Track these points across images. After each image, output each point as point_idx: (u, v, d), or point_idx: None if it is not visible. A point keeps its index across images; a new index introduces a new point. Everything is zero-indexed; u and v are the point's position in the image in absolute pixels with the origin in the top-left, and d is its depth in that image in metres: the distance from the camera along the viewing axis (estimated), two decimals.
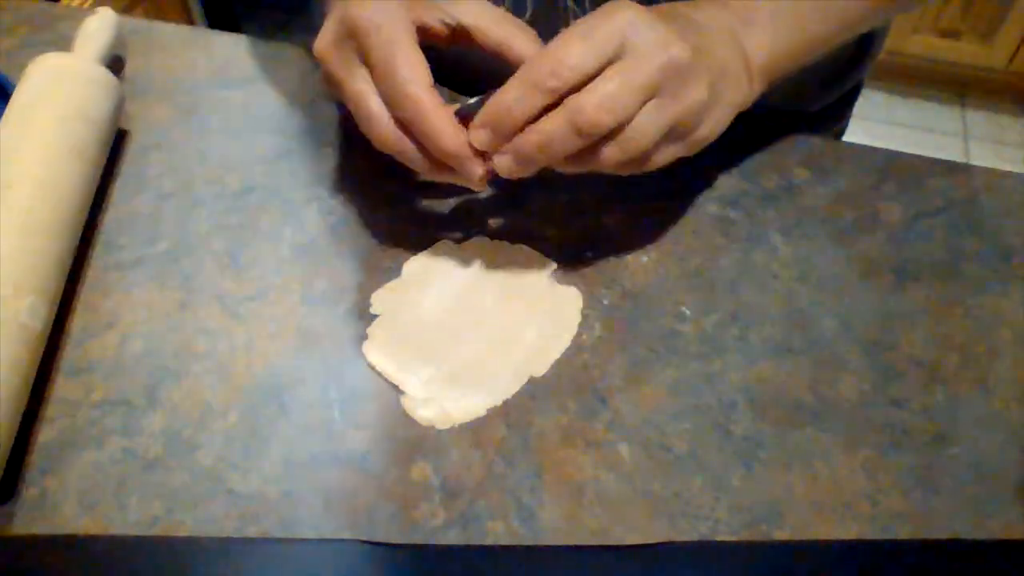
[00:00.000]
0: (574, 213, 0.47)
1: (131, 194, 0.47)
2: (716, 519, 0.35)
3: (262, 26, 2.08)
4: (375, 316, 0.42)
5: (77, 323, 0.41)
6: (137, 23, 0.58)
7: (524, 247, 0.45)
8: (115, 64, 0.54)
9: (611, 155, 0.35)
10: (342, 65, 0.37)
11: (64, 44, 0.51)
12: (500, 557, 0.34)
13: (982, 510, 0.36)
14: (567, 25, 0.49)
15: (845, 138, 0.68)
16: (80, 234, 0.43)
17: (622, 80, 0.34)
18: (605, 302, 0.43)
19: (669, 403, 0.39)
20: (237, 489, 0.35)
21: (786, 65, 0.43)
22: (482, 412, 0.38)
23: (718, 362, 0.41)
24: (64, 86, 0.45)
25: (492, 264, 0.44)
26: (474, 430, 0.38)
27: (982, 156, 1.84)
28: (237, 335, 0.41)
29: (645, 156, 0.36)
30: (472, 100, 0.37)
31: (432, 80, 0.36)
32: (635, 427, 0.38)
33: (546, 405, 0.39)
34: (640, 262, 0.44)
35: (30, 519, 0.34)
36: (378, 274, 0.44)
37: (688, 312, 0.43)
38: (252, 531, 0.34)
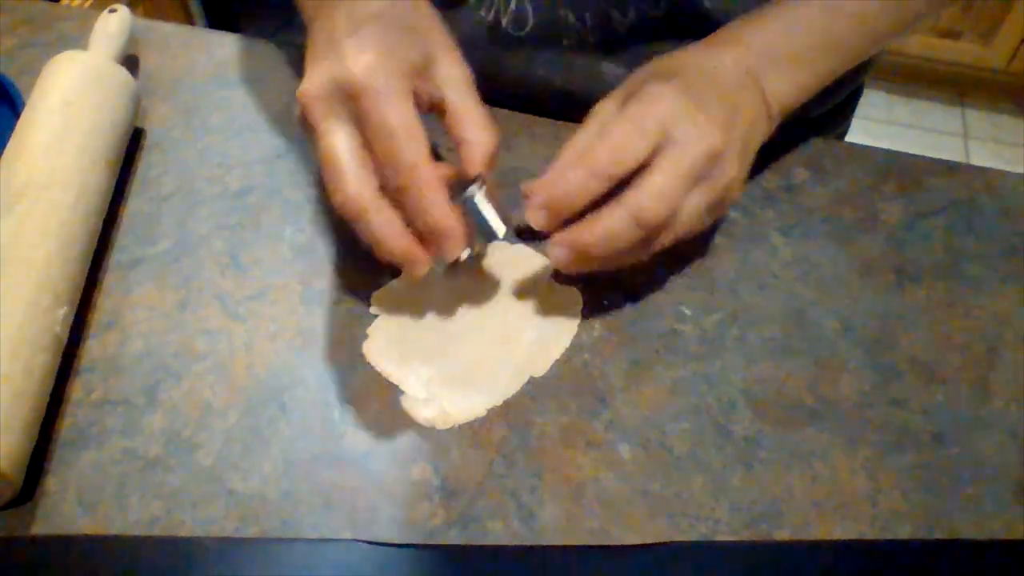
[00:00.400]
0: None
1: (131, 194, 0.47)
2: (716, 519, 0.35)
3: (262, 26, 2.08)
4: (375, 316, 0.42)
5: (77, 323, 0.41)
6: (138, 23, 0.57)
7: (524, 247, 0.45)
8: (128, 63, 0.54)
9: (662, 241, 0.38)
10: (326, 116, 0.35)
11: (64, 44, 0.51)
12: (500, 557, 0.34)
13: (982, 510, 0.36)
14: (567, 39, 0.49)
15: (846, 138, 0.68)
16: (97, 241, 0.43)
17: (672, 172, 0.36)
18: (605, 302, 0.43)
19: (669, 403, 0.39)
20: (237, 489, 0.35)
21: (805, 99, 0.44)
22: (482, 412, 0.38)
23: (718, 362, 0.41)
24: (96, 91, 0.45)
25: (492, 264, 0.44)
26: (474, 430, 0.38)
27: (982, 156, 1.84)
28: (237, 335, 0.41)
29: (685, 230, 0.39)
30: (469, 186, 0.37)
31: (429, 147, 0.35)
32: (635, 427, 0.38)
33: (546, 405, 0.39)
34: (640, 262, 0.44)
35: (30, 519, 0.34)
36: (378, 274, 0.44)
37: (688, 312, 0.43)
38: (252, 531, 0.34)
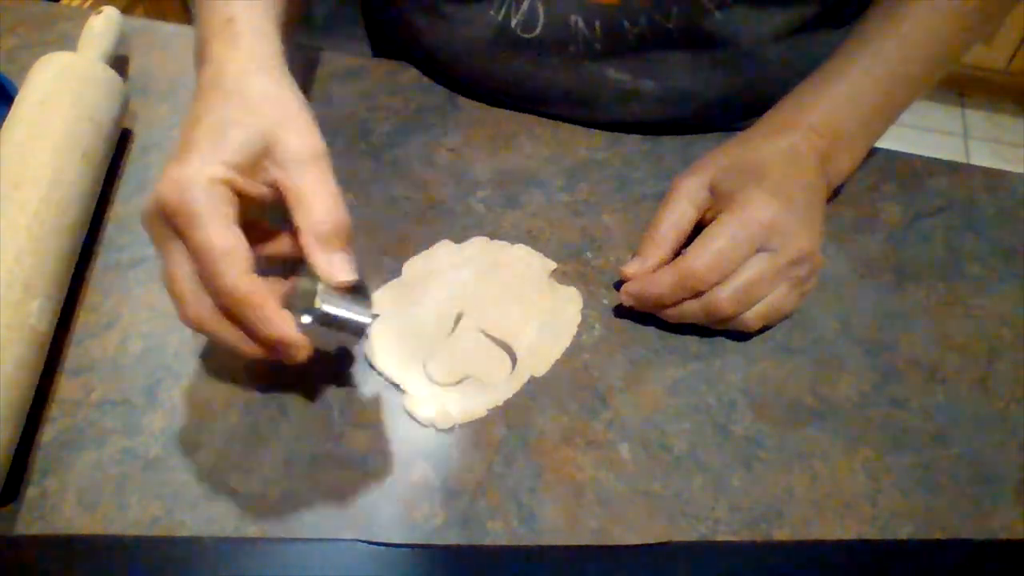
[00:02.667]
0: (574, 213, 0.47)
1: (131, 194, 0.47)
2: (716, 519, 0.35)
3: None
4: (375, 316, 0.42)
5: (77, 323, 0.41)
6: (137, 23, 0.58)
7: (524, 247, 0.45)
8: (119, 63, 0.54)
9: (749, 324, 0.40)
10: (160, 238, 0.33)
11: (64, 44, 0.51)
12: (500, 557, 0.34)
13: (982, 510, 0.36)
14: (575, 44, 0.49)
15: None
16: (85, 235, 0.43)
17: (752, 274, 0.39)
18: (605, 302, 0.43)
19: (669, 403, 0.39)
20: (237, 489, 0.35)
21: (859, 165, 0.47)
22: (482, 412, 0.38)
23: (718, 362, 0.41)
24: (72, 87, 0.45)
25: (492, 264, 0.44)
26: (474, 430, 0.38)
27: (982, 156, 1.84)
28: None
29: (774, 313, 0.41)
30: (302, 279, 0.35)
31: (252, 262, 0.33)
32: (635, 427, 0.38)
33: (546, 405, 0.39)
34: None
35: (30, 519, 0.34)
36: (378, 274, 0.44)
37: None
38: (252, 531, 0.34)
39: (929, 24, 0.45)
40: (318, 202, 0.34)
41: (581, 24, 0.49)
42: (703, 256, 0.39)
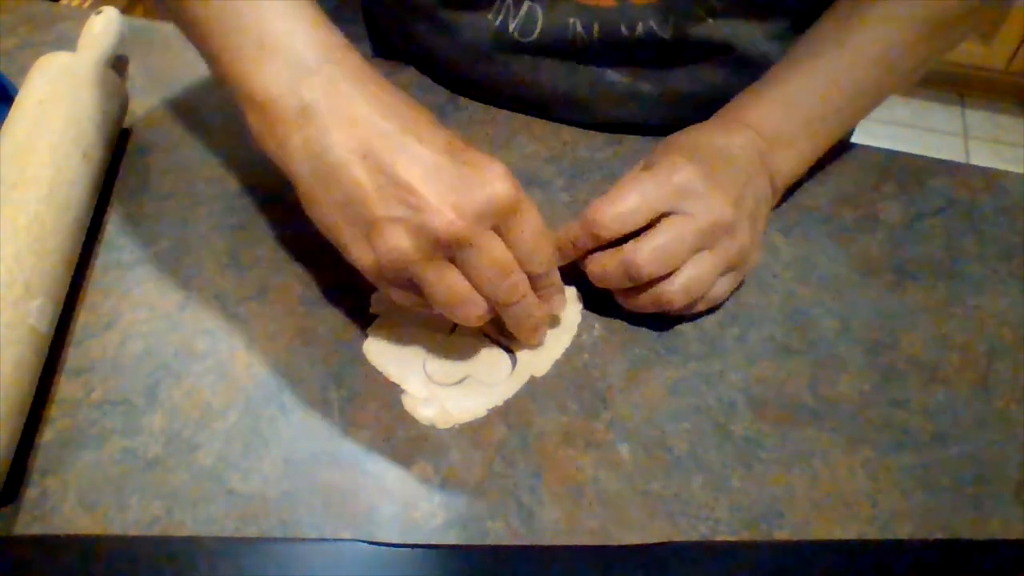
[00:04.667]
0: (574, 213, 0.47)
1: (131, 194, 0.47)
2: (716, 519, 0.35)
3: None
4: (375, 316, 0.42)
5: (77, 323, 0.41)
6: (138, 22, 0.58)
7: None
8: (119, 63, 0.54)
9: (673, 296, 0.39)
10: (477, 237, 0.33)
11: (64, 44, 0.51)
12: (500, 557, 0.34)
13: (982, 510, 0.36)
14: (573, 46, 0.49)
15: None
16: (84, 235, 0.43)
17: (673, 235, 0.38)
18: (605, 302, 0.43)
19: (669, 403, 0.39)
20: (237, 489, 0.35)
21: (806, 168, 0.47)
22: (482, 412, 0.38)
23: (718, 362, 0.41)
24: (71, 87, 0.45)
25: None
26: (474, 430, 0.38)
27: (982, 156, 1.84)
28: (237, 335, 0.41)
29: (704, 297, 0.41)
30: None
31: None
32: (635, 427, 0.38)
33: (546, 405, 0.39)
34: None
35: (30, 519, 0.34)
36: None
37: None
38: (252, 531, 0.34)
39: (880, 32, 0.45)
40: None
41: (579, 27, 0.49)
42: (606, 204, 0.39)
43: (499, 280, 0.35)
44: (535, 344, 0.40)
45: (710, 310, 0.43)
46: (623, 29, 0.48)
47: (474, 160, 0.34)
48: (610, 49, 0.50)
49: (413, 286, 0.36)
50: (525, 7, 0.49)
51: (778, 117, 0.45)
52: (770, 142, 0.44)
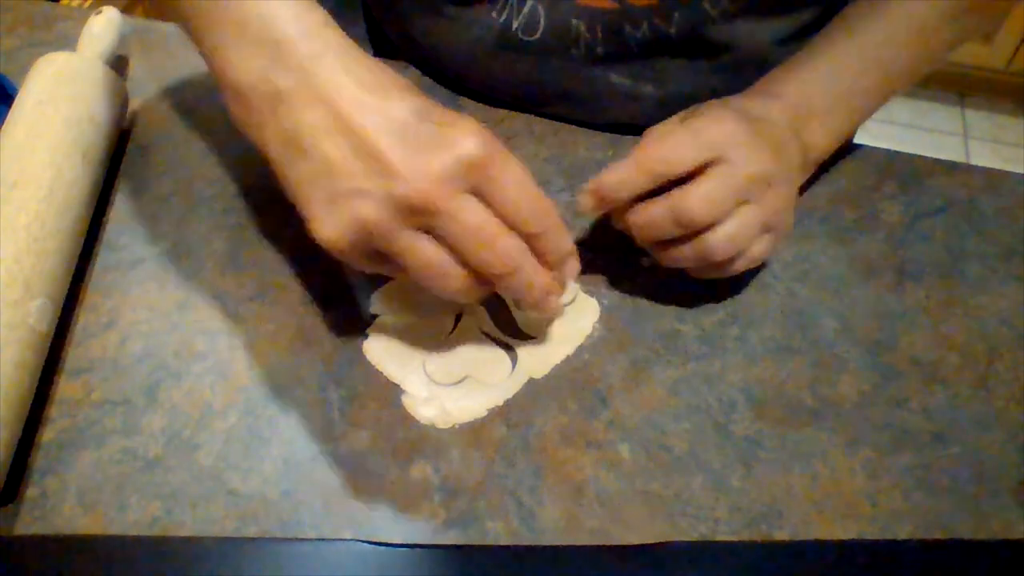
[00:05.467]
0: (574, 213, 0.47)
1: (131, 194, 0.47)
2: (716, 519, 0.35)
3: None
4: (375, 316, 0.42)
5: (77, 323, 0.41)
6: (137, 23, 0.58)
7: None
8: (119, 63, 0.54)
9: (718, 247, 0.38)
10: (452, 201, 0.32)
11: (64, 44, 0.51)
12: (500, 557, 0.34)
13: (982, 510, 0.36)
14: (576, 47, 0.49)
15: None
16: (84, 235, 0.43)
17: (721, 182, 0.38)
18: (605, 302, 0.43)
19: (669, 403, 0.39)
20: (237, 489, 0.35)
21: (839, 144, 0.46)
22: (482, 412, 0.38)
23: (718, 362, 0.41)
24: (71, 87, 0.45)
25: None
26: (474, 430, 0.38)
27: (982, 156, 1.84)
28: (237, 335, 0.41)
29: (743, 253, 0.40)
30: None
31: None
32: (635, 427, 0.38)
33: (546, 405, 0.39)
34: (641, 262, 0.44)
35: (30, 519, 0.34)
36: (378, 274, 0.43)
37: (688, 312, 0.43)
38: (252, 531, 0.34)
39: (918, 7, 0.45)
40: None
41: (583, 28, 0.49)
42: (659, 144, 0.38)
43: (482, 248, 0.32)
44: (550, 315, 0.38)
45: (708, 310, 0.43)
46: (627, 29, 0.48)
47: (445, 119, 0.32)
48: (613, 50, 0.50)
49: (388, 259, 0.34)
50: (528, 5, 0.49)
51: (815, 90, 0.44)
52: (806, 115, 0.43)
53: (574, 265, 0.38)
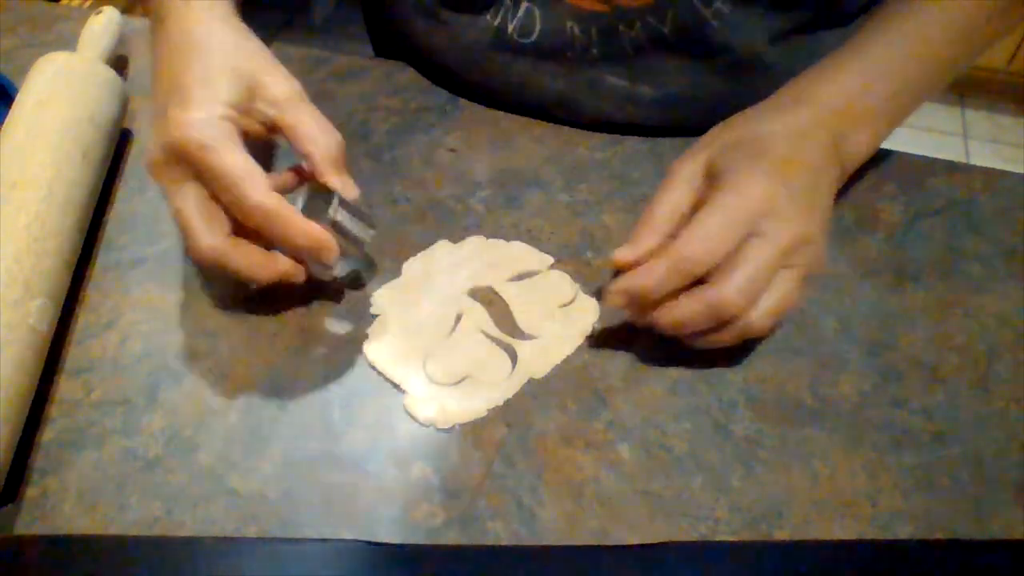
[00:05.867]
0: (574, 213, 0.47)
1: (131, 194, 0.47)
2: (716, 519, 0.35)
3: (262, 26, 2.08)
4: (375, 316, 0.42)
5: (77, 323, 0.41)
6: (137, 23, 0.58)
7: (521, 244, 0.45)
8: (119, 63, 0.54)
9: (763, 325, 0.37)
10: (170, 180, 0.37)
11: (64, 44, 0.51)
12: (500, 557, 0.34)
13: (982, 510, 0.36)
14: (571, 49, 0.49)
15: None
16: (84, 235, 0.43)
17: (756, 263, 0.36)
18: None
19: (669, 403, 0.39)
20: (237, 489, 0.35)
21: (877, 148, 0.45)
22: (482, 412, 0.38)
23: (718, 362, 0.41)
24: (72, 87, 0.45)
25: (492, 262, 0.44)
26: (474, 430, 0.38)
27: (982, 156, 1.84)
28: (237, 335, 0.41)
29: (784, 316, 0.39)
30: (300, 197, 0.39)
31: (268, 182, 0.36)
32: (635, 427, 0.38)
33: (546, 405, 0.39)
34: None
35: (30, 519, 0.34)
36: (378, 274, 0.44)
37: None
38: (252, 531, 0.34)
39: (953, 8, 0.43)
40: (321, 132, 0.38)
41: (577, 30, 0.49)
42: (694, 238, 0.36)
43: (222, 193, 0.36)
44: (324, 262, 0.38)
45: None
46: (621, 28, 0.48)
47: (182, 106, 0.36)
48: (609, 51, 0.50)
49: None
50: (523, 9, 0.49)
51: (856, 92, 0.42)
52: (847, 121, 0.41)
53: (326, 255, 0.37)
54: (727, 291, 0.36)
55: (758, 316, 0.37)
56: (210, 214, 0.36)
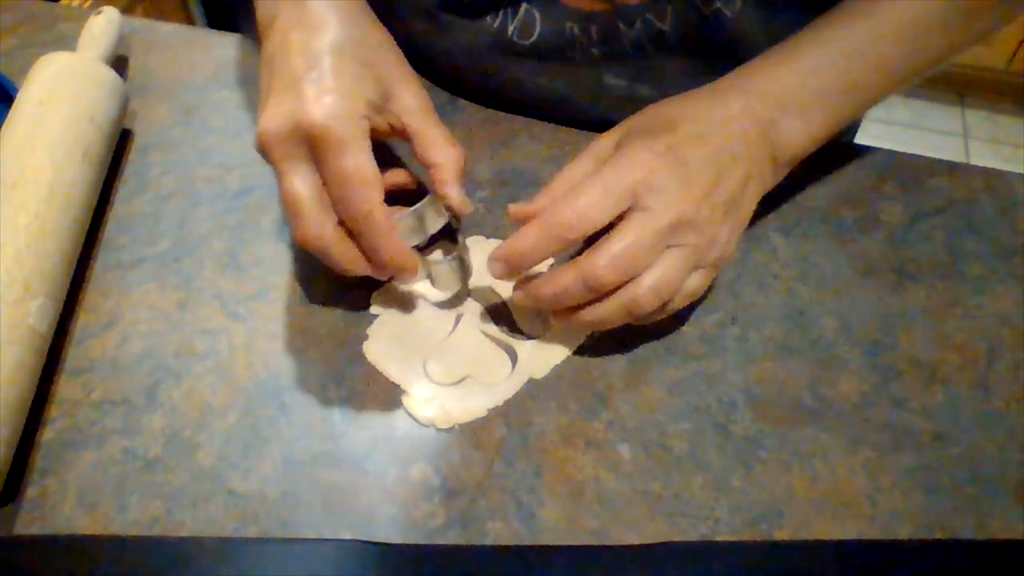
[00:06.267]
0: None
1: (131, 194, 0.47)
2: (716, 519, 0.35)
3: None
4: (375, 316, 0.42)
5: (77, 323, 0.41)
6: (137, 23, 0.58)
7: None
8: (119, 63, 0.54)
9: (642, 300, 0.36)
10: (286, 157, 0.36)
11: (64, 44, 0.51)
12: (500, 557, 0.34)
13: (982, 510, 0.36)
14: (572, 49, 0.49)
15: None
16: (84, 235, 0.43)
17: (635, 237, 0.36)
18: None
19: (669, 403, 0.39)
20: (237, 489, 0.35)
21: (818, 145, 0.43)
22: (482, 412, 0.38)
23: (718, 362, 0.41)
24: (72, 87, 0.45)
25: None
26: (474, 430, 0.38)
27: (982, 156, 1.84)
28: (237, 335, 0.41)
29: (674, 296, 0.38)
30: (410, 210, 0.39)
31: (383, 190, 0.37)
32: (635, 427, 0.38)
33: (546, 405, 0.39)
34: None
35: (30, 519, 0.34)
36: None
37: (688, 312, 0.43)
38: (252, 531, 0.34)
39: (906, 9, 0.42)
40: (449, 145, 0.39)
41: (577, 30, 0.49)
42: (565, 203, 0.36)
43: (336, 189, 0.36)
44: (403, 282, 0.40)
45: (708, 310, 0.43)
46: (621, 26, 0.48)
47: (326, 89, 0.36)
48: (609, 51, 0.50)
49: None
50: (523, 10, 0.49)
51: (792, 84, 0.41)
52: (780, 110, 0.41)
53: (405, 278, 0.38)
54: (598, 260, 0.35)
55: (640, 291, 0.36)
56: (322, 201, 0.36)
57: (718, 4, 0.47)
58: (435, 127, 0.40)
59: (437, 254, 0.44)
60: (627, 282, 0.36)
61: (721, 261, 0.39)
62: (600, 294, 0.37)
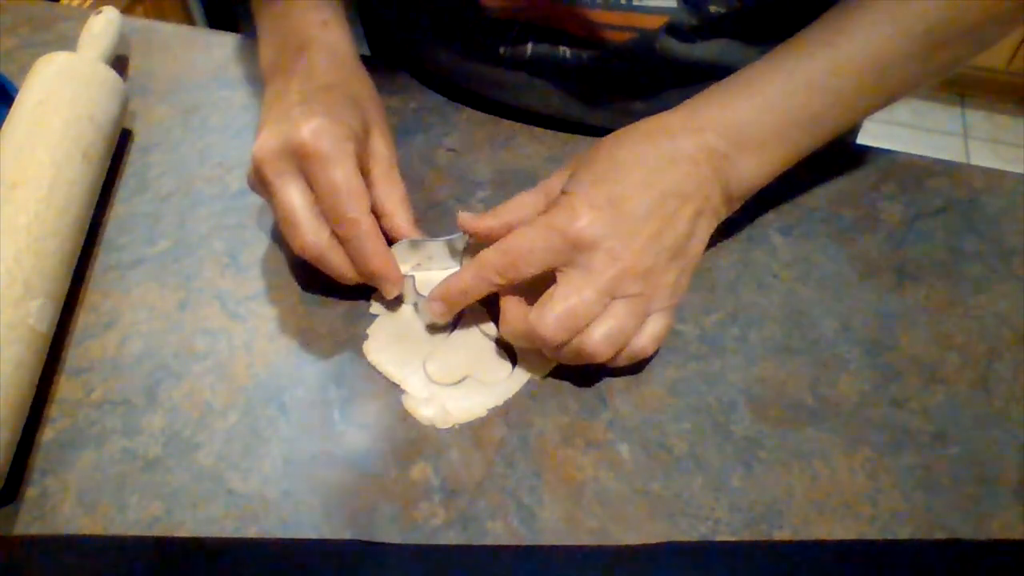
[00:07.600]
0: None
1: (131, 194, 0.47)
2: (716, 519, 0.35)
3: None
4: (375, 316, 0.42)
5: (77, 323, 0.41)
6: (137, 23, 0.58)
7: None
8: (119, 63, 0.54)
9: (597, 349, 0.37)
10: (279, 174, 0.38)
11: (64, 44, 0.51)
12: (500, 557, 0.34)
13: (982, 510, 0.36)
14: (565, 69, 0.50)
15: None
16: (85, 235, 0.43)
17: (577, 299, 0.36)
18: None
19: (669, 403, 0.39)
20: (237, 489, 0.35)
21: (773, 178, 0.42)
22: (482, 412, 0.38)
23: (718, 362, 0.41)
24: (72, 87, 0.45)
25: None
26: (474, 430, 0.38)
27: (982, 156, 1.84)
28: (237, 335, 0.41)
29: (632, 342, 0.38)
30: (432, 241, 0.42)
31: (369, 203, 0.39)
32: (635, 427, 0.38)
33: (546, 405, 0.39)
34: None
35: (30, 519, 0.34)
36: None
37: (688, 312, 0.43)
38: (252, 531, 0.34)
39: (873, 39, 0.41)
40: (400, 198, 0.42)
41: (568, 54, 0.50)
42: (499, 247, 0.37)
43: (326, 200, 0.38)
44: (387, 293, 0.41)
45: (708, 310, 0.43)
46: (613, 61, 0.49)
47: (315, 112, 0.39)
48: (600, 74, 0.50)
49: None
50: (515, 30, 0.49)
51: (748, 119, 0.40)
52: (735, 147, 0.40)
53: (387, 289, 0.40)
54: (544, 320, 0.36)
55: (592, 340, 0.36)
56: (315, 212, 0.39)
57: (698, 43, 0.48)
58: (394, 180, 0.42)
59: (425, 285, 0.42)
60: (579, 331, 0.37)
61: (674, 300, 0.39)
62: (552, 350, 0.37)
